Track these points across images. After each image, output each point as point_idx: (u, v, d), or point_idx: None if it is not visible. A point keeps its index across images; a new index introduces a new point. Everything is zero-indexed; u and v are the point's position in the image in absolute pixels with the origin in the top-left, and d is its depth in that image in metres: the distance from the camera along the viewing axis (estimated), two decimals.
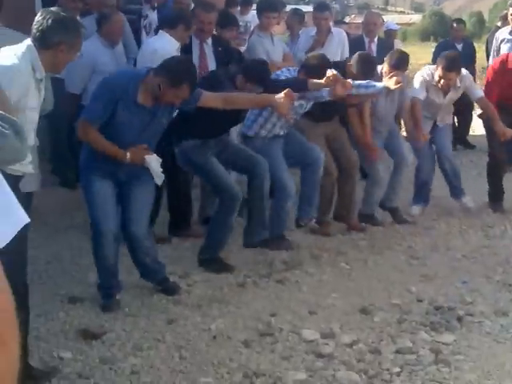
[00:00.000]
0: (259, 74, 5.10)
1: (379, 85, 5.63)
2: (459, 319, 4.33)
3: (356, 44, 7.88)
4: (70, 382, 3.63)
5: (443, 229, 6.26)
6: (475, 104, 7.83)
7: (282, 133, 5.69)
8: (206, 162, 5.10)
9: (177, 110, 4.66)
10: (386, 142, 6.33)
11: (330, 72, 5.13)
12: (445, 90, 6.31)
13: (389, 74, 5.86)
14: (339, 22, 13.23)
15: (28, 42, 3.54)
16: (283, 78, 5.46)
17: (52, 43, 3.53)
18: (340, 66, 5.84)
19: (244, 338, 4.07)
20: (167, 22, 5.77)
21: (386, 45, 7.93)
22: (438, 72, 6.16)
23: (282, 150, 5.68)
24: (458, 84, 6.28)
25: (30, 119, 3.51)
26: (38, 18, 3.58)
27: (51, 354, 3.87)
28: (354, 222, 6.25)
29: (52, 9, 3.73)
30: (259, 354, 3.92)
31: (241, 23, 8.78)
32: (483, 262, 5.41)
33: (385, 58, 6.11)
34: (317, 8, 7.51)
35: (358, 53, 6.08)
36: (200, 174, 5.35)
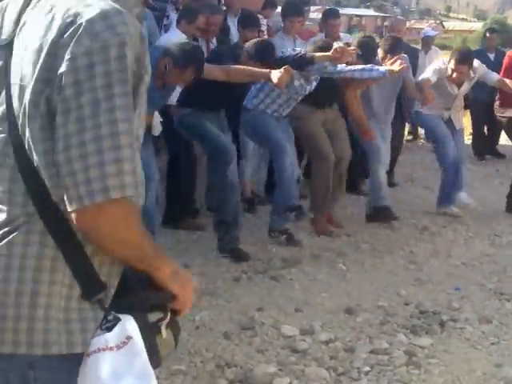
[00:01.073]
0: (263, 52, 5.16)
1: (382, 68, 5.70)
2: (441, 324, 4.32)
3: None
4: None
5: (449, 236, 6.24)
6: None
7: (278, 114, 5.74)
8: (200, 123, 5.20)
9: None
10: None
11: (337, 44, 5.31)
12: (457, 83, 6.45)
13: (385, 59, 6.05)
14: None
15: None
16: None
17: None
18: None
19: (225, 330, 4.15)
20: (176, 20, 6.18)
21: (408, 50, 7.91)
22: (451, 65, 6.33)
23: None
24: (472, 75, 6.44)
25: None
26: None
27: None
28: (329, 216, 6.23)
29: None
30: (236, 346, 3.99)
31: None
32: (481, 270, 5.38)
33: (379, 43, 6.30)
34: (329, 15, 7.49)
35: (358, 37, 6.21)
36: (194, 134, 5.41)
